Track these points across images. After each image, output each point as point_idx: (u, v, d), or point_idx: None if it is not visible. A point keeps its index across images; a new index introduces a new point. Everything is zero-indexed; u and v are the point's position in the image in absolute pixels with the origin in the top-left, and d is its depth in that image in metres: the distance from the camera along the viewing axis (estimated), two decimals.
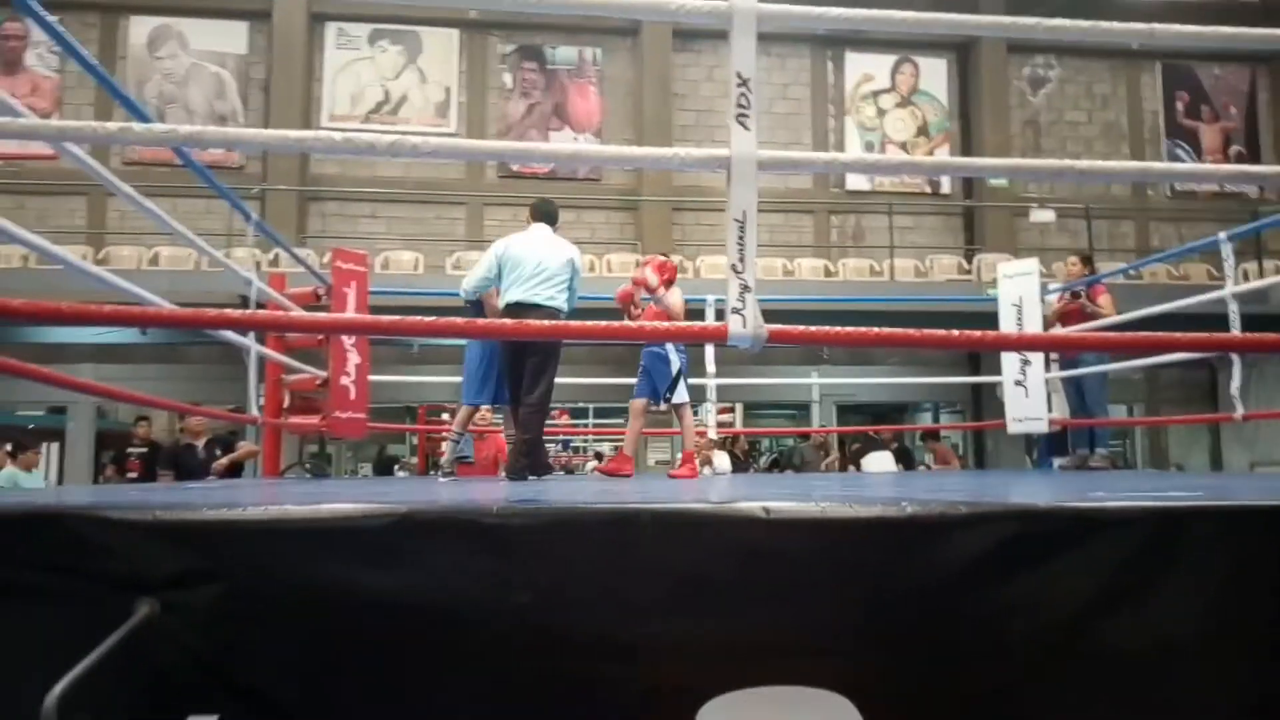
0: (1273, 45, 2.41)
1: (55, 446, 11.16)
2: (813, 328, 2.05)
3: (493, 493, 2.28)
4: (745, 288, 1.92)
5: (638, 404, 5.29)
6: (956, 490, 2.18)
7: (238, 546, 1.32)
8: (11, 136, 1.88)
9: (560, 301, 4.56)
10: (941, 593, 1.36)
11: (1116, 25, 2.14)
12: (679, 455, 8.78)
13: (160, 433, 12.89)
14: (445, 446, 5.25)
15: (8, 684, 1.27)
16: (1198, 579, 1.36)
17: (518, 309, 4.46)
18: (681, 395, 5.21)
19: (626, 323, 4.17)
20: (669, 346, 5.11)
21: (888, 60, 12.98)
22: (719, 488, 2.57)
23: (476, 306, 5.02)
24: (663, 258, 5.27)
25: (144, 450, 8.65)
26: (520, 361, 4.58)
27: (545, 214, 4.90)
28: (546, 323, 4.06)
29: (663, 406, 5.33)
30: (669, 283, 5.05)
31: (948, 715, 1.33)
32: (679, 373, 5.13)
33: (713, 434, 6.87)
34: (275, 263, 9.51)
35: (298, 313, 5.49)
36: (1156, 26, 2.13)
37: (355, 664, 1.32)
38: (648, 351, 5.24)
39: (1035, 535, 1.38)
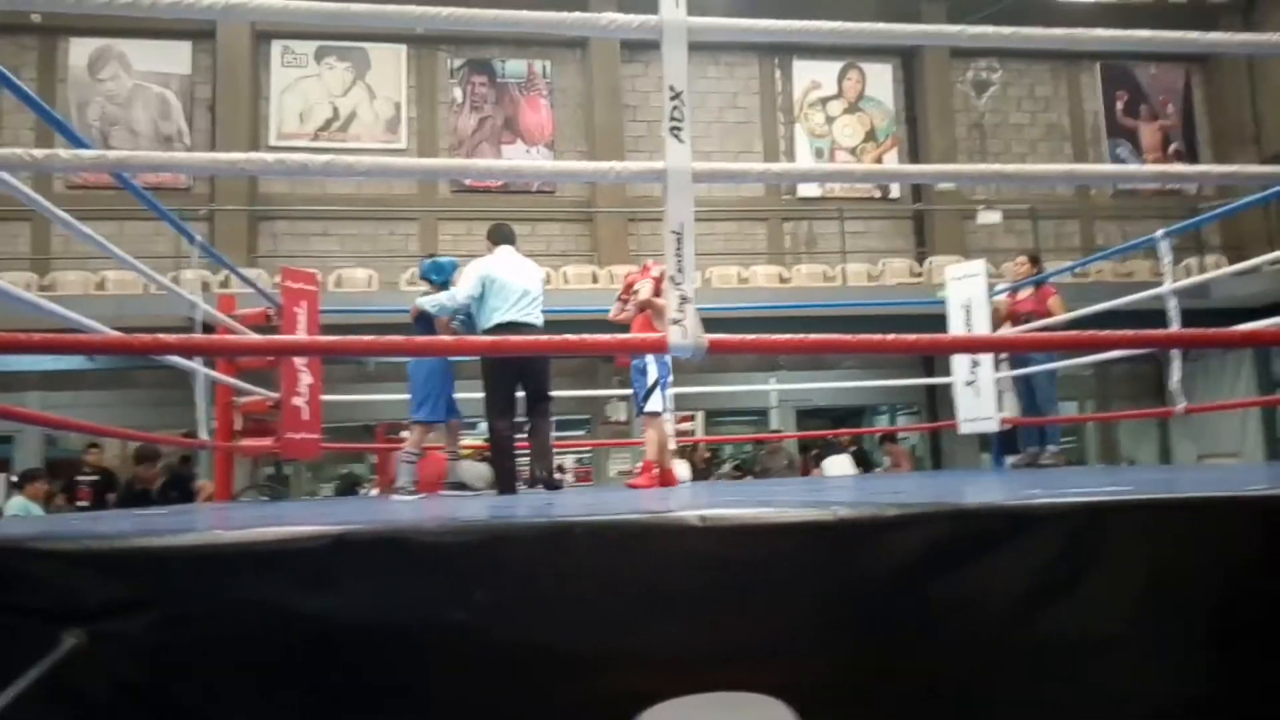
0: (1201, 49, 2.49)
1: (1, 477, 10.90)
2: (752, 336, 2.07)
3: (437, 511, 2.27)
4: (684, 298, 1.93)
5: (643, 420, 5.46)
6: (899, 492, 2.21)
7: (169, 574, 1.31)
8: None
9: (542, 320, 4.88)
10: (875, 593, 1.38)
11: (1056, 31, 2.18)
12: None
13: (112, 459, 12.66)
14: (401, 467, 5.21)
15: None
16: (1122, 571, 1.40)
17: (511, 329, 4.70)
18: (654, 405, 5.27)
19: (578, 336, 4.21)
20: (648, 357, 5.18)
21: (834, 67, 13.15)
22: (665, 498, 2.58)
23: (425, 324, 5.06)
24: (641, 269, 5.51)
25: (95, 478, 8.47)
26: (522, 379, 4.81)
27: (506, 237, 5.12)
28: (482, 339, 4.19)
29: (638, 417, 5.46)
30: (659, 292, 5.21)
31: (885, 712, 1.35)
32: (656, 382, 5.20)
33: (672, 444, 6.88)
34: (226, 284, 9.39)
35: (247, 335, 5.43)
36: (1095, 32, 2.19)
37: (292, 686, 1.31)
38: (631, 364, 5.39)
39: (966, 534, 1.41)
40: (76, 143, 3.53)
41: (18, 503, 7.83)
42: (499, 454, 4.91)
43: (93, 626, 1.26)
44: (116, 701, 1.26)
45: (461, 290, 4.88)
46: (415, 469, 5.26)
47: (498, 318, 4.75)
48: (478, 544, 1.33)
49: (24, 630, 1.23)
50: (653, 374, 5.20)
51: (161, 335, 1.79)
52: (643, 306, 5.28)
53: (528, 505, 2.44)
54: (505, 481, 4.84)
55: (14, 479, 8.15)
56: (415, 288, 8.65)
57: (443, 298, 5.01)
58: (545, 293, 5.13)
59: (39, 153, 1.82)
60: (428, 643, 1.33)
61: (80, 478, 8.29)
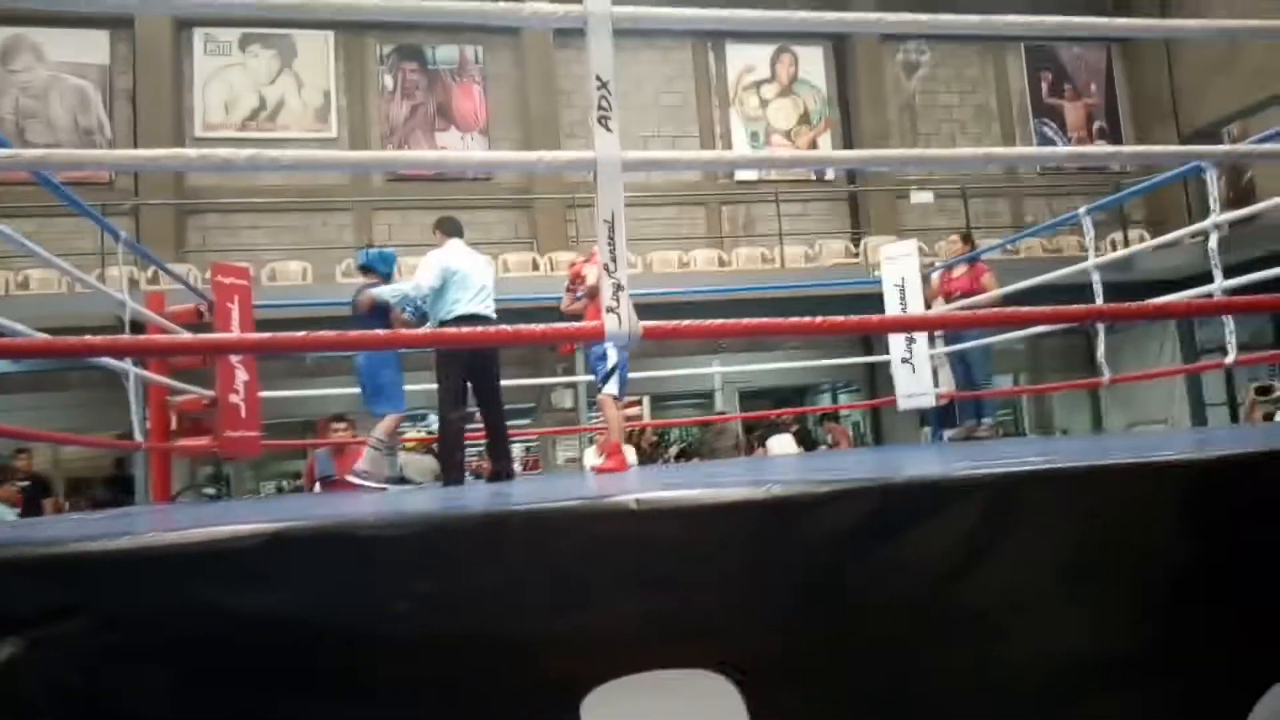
0: (1117, 33, 2.57)
1: None
2: (687, 322, 2.10)
3: (367, 506, 2.28)
4: (618, 286, 1.96)
5: (600, 400, 5.57)
6: (836, 469, 2.27)
7: (105, 577, 1.30)
8: None
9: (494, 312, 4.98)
10: (810, 567, 1.43)
11: (972, 18, 2.25)
12: (596, 449, 8.78)
13: (44, 463, 12.32)
14: (369, 455, 5.13)
15: None
16: (1038, 539, 1.47)
17: (473, 321, 4.75)
18: (610, 388, 5.33)
19: (517, 327, 4.26)
20: (608, 342, 5.21)
21: (767, 51, 13.25)
22: (604, 482, 2.61)
23: (380, 316, 5.01)
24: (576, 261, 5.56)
25: (26, 483, 8.26)
26: (473, 372, 4.83)
27: (457, 229, 5.15)
28: (425, 330, 4.22)
29: (599, 397, 5.52)
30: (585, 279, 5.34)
31: (823, 680, 1.40)
32: (614, 367, 5.26)
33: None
34: (155, 280, 9.18)
35: (180, 333, 5.33)
36: (1001, 18, 2.25)
37: (235, 686, 1.31)
38: (590, 350, 5.45)
39: (894, 507, 1.46)
40: None
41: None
42: (448, 445, 4.90)
43: (31, 633, 1.24)
44: (55, 707, 1.25)
45: (425, 280, 4.85)
46: (383, 460, 5.21)
47: (459, 309, 4.77)
48: (418, 535, 1.34)
49: None
50: (612, 358, 5.26)
51: (91, 338, 1.76)
52: (593, 294, 5.32)
53: (470, 495, 2.46)
54: (453, 472, 4.84)
55: None
56: (351, 279, 8.55)
57: (405, 288, 5.01)
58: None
59: None
60: (370, 635, 1.34)
61: (12, 482, 8.06)
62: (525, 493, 2.22)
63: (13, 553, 1.30)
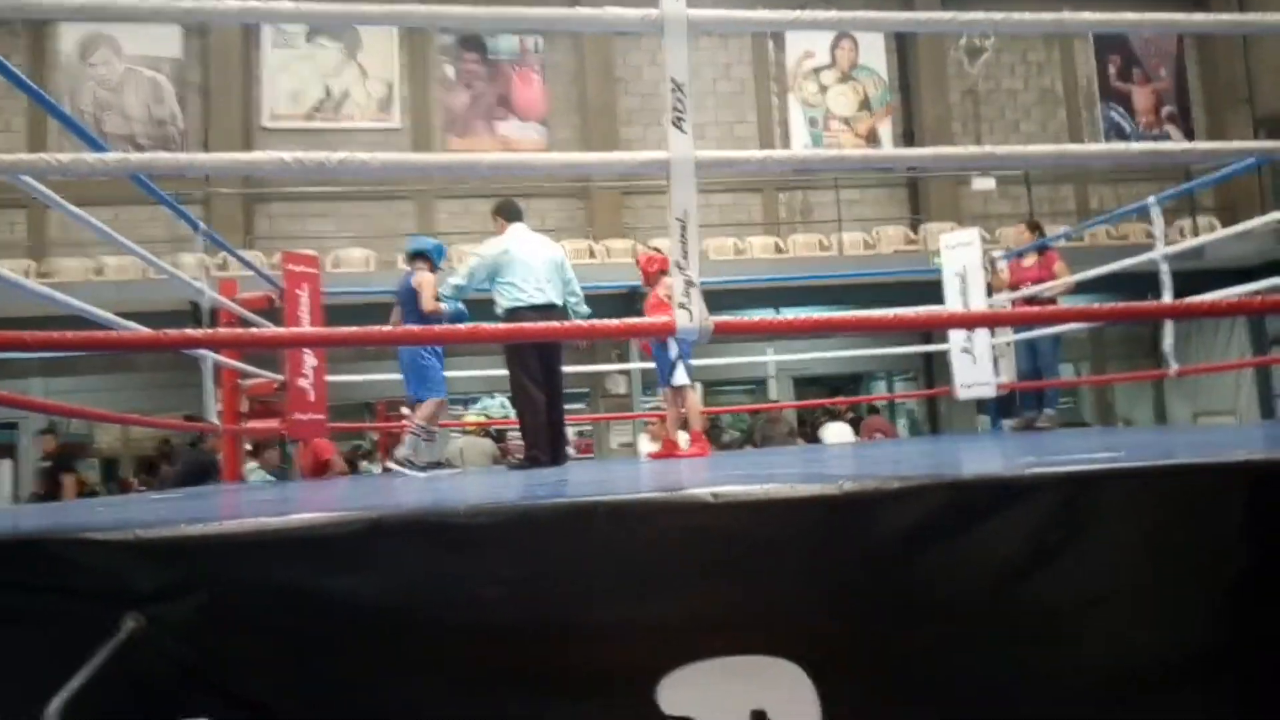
0: (1191, 29, 2.54)
1: (7, 464, 11.01)
2: (756, 318, 2.14)
3: (457, 493, 2.36)
4: (690, 283, 2.01)
5: (665, 392, 5.63)
6: (900, 462, 2.30)
7: (216, 559, 1.39)
8: None
9: (561, 300, 4.84)
10: (880, 561, 1.47)
11: (1045, 16, 2.24)
12: (648, 436, 8.88)
13: (114, 442, 12.76)
14: (409, 441, 5.14)
15: (2, 705, 1.33)
16: (1110, 537, 1.49)
17: (541, 310, 4.62)
18: (681, 378, 5.38)
19: (588, 322, 4.30)
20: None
21: (827, 37, 13.12)
22: (683, 473, 2.67)
23: (417, 311, 5.00)
24: (652, 251, 5.58)
25: (48, 465, 8.60)
26: (548, 358, 4.74)
27: (517, 213, 5.02)
28: (501, 326, 4.14)
29: (665, 391, 5.58)
30: (661, 273, 5.25)
31: (888, 670, 1.44)
32: (679, 357, 5.30)
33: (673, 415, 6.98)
34: (224, 266, 9.43)
35: (254, 321, 5.50)
36: (1074, 16, 2.25)
37: (332, 664, 1.40)
38: (652, 341, 5.47)
39: (963, 504, 1.49)
40: (83, 136, 3.57)
41: (253, 467, 7.98)
42: (535, 424, 4.72)
43: (148, 609, 1.34)
44: (171, 678, 1.35)
45: (478, 271, 4.79)
46: (423, 446, 5.28)
47: (526, 298, 4.66)
48: (506, 525, 1.41)
49: (88, 615, 1.32)
50: (674, 349, 5.29)
51: (188, 331, 1.86)
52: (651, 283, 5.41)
53: (550, 484, 2.53)
54: (543, 449, 4.70)
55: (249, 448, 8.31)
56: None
57: (459, 280, 4.91)
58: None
59: (64, 157, 1.88)
60: (459, 619, 1.41)
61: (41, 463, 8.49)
62: (604, 483, 2.28)
63: (132, 535, 1.40)
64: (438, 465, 5.39)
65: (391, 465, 5.13)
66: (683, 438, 5.74)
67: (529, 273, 4.71)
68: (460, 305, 5.06)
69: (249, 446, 7.89)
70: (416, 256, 5.32)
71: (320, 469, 6.86)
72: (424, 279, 5.11)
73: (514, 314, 4.69)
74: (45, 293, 3.32)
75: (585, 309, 5.09)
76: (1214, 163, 6.14)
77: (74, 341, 1.94)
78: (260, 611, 1.40)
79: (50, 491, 8.38)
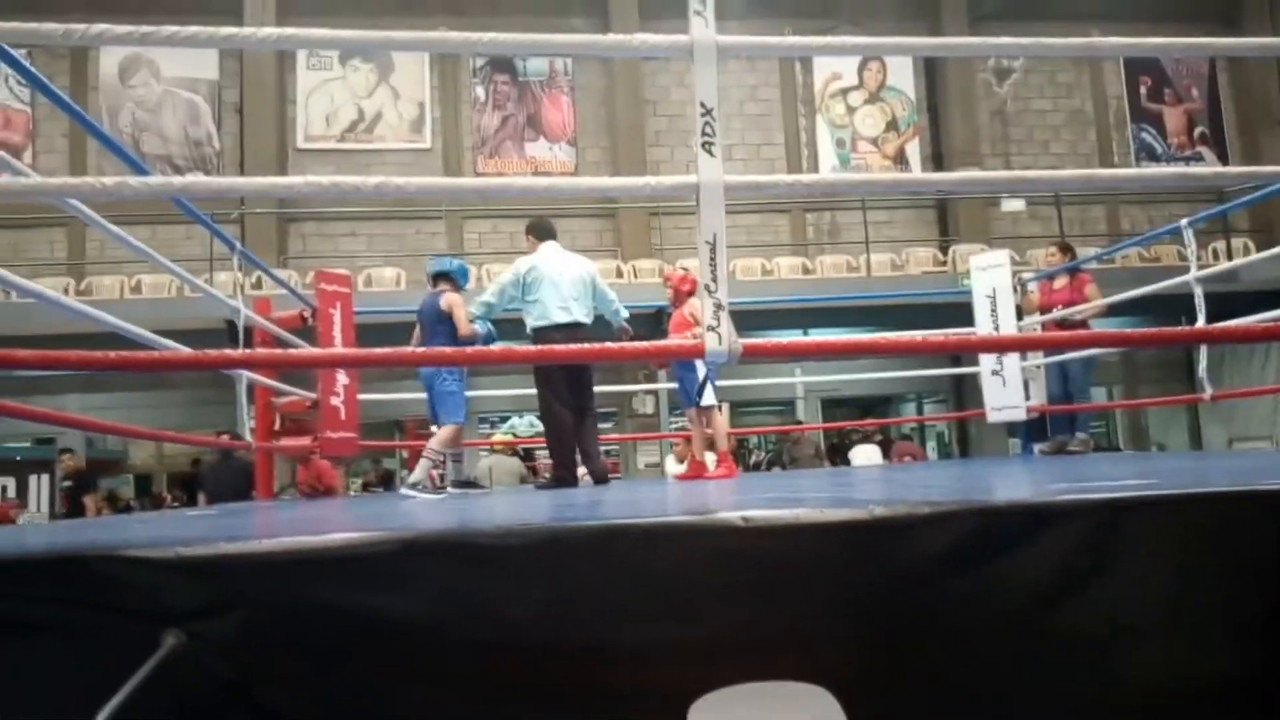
0: (1221, 53, 2.54)
1: (45, 478, 11.18)
2: (785, 340, 2.15)
3: (487, 513, 2.38)
4: (719, 306, 2.02)
5: (690, 413, 5.62)
6: (930, 486, 2.29)
7: (255, 577, 1.42)
8: (13, 199, 1.96)
9: (591, 318, 4.87)
10: (910, 586, 1.47)
11: (1075, 41, 2.25)
12: (674, 457, 8.86)
13: (148, 459, 12.94)
14: (422, 465, 5.01)
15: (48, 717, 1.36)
16: (1141, 565, 1.48)
17: (562, 329, 4.64)
18: (709, 398, 5.37)
19: (618, 345, 4.32)
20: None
21: (855, 58, 13.14)
22: (711, 496, 2.67)
23: (450, 327, 4.96)
24: (682, 271, 5.59)
25: (69, 485, 8.72)
26: (575, 378, 4.76)
27: (549, 232, 5.06)
28: (533, 348, 4.17)
29: (692, 411, 5.57)
30: (690, 294, 5.31)
31: (918, 696, 1.44)
32: (706, 378, 5.30)
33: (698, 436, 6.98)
34: (258, 285, 9.58)
35: (288, 339, 5.57)
36: (1104, 41, 2.26)
37: (366, 683, 1.42)
38: (675, 362, 5.46)
39: (994, 530, 1.49)
40: (124, 157, 3.66)
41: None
42: (562, 443, 4.78)
43: (188, 626, 1.37)
44: (210, 694, 1.37)
45: (506, 290, 4.82)
46: (433, 470, 5.17)
47: (552, 316, 4.69)
48: (536, 546, 1.43)
49: (129, 631, 1.34)
50: (702, 370, 5.29)
51: (229, 351, 1.90)
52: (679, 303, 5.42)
53: (579, 505, 2.55)
54: (570, 469, 4.75)
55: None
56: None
57: (490, 298, 4.92)
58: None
59: (109, 181, 1.93)
60: (489, 639, 1.43)
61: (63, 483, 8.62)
62: (633, 505, 2.29)
63: (172, 553, 1.43)
64: (469, 484, 5.35)
65: (405, 490, 5.06)
66: (709, 459, 5.74)
67: (556, 292, 4.72)
68: (490, 326, 5.06)
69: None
70: (440, 278, 5.28)
71: (321, 493, 6.87)
72: (454, 300, 5.07)
73: (540, 333, 4.70)
74: (85, 310, 3.40)
75: (624, 313, 5.14)
76: (1248, 184, 6.09)
77: (116, 362, 1.98)
78: (297, 629, 1.42)
79: (72, 511, 8.51)
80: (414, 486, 4.86)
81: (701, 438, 5.65)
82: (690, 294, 5.38)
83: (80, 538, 1.94)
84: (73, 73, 11.78)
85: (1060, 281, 6.62)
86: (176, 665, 1.33)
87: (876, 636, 1.46)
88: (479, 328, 4.96)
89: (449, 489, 5.03)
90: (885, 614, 1.46)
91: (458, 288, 5.24)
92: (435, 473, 5.17)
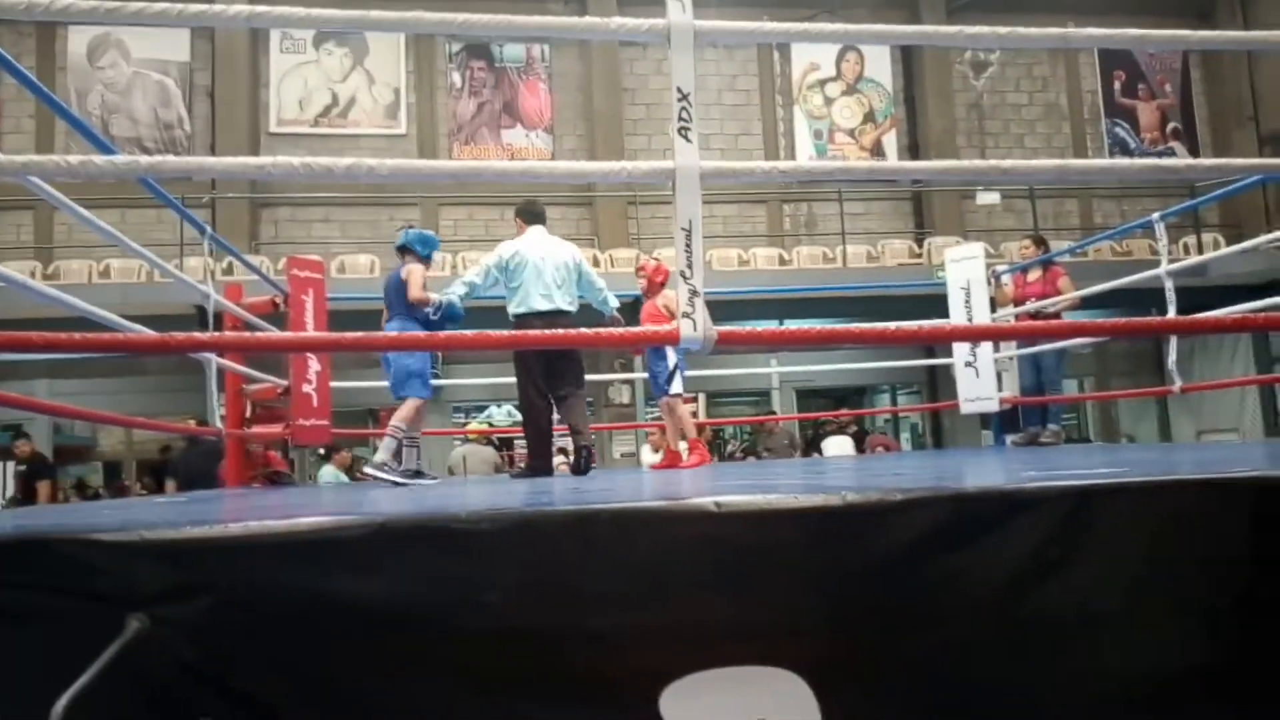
0: (1194, 46, 2.56)
1: (11, 465, 11.03)
2: (760, 328, 2.15)
3: (461, 499, 2.37)
4: (694, 293, 2.02)
5: (663, 403, 5.64)
6: (903, 474, 2.30)
7: (221, 561, 1.40)
8: None
9: (575, 305, 4.77)
10: (882, 572, 1.47)
11: (1051, 31, 2.26)
12: (650, 446, 8.88)
13: (117, 445, 12.78)
14: (386, 444, 4.78)
15: (7, 704, 1.33)
16: (1112, 551, 1.49)
17: (542, 316, 4.53)
18: (676, 387, 5.41)
19: (594, 330, 4.25)
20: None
21: (832, 49, 13.16)
22: (685, 482, 2.67)
23: (417, 315, 4.76)
24: (656, 262, 5.65)
25: (24, 469, 8.62)
26: (556, 367, 4.66)
27: (537, 216, 4.98)
28: (506, 334, 4.05)
29: (664, 402, 5.60)
30: (663, 284, 5.42)
31: (890, 682, 1.45)
32: (675, 368, 5.33)
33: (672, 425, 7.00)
34: (229, 270, 9.46)
35: (257, 323, 5.51)
36: (1079, 31, 2.27)
37: (338, 667, 1.40)
38: (648, 351, 5.49)
39: (965, 516, 1.49)
40: (91, 139, 3.59)
41: (328, 471, 8.36)
42: (539, 433, 4.71)
43: (153, 610, 1.35)
44: (180, 681, 1.35)
45: (488, 272, 4.70)
46: (400, 451, 4.95)
47: (533, 304, 4.61)
48: (509, 530, 1.42)
49: (92, 615, 1.32)
50: (673, 358, 5.32)
51: (196, 334, 1.87)
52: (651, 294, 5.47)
53: (556, 491, 2.54)
54: (545, 459, 4.68)
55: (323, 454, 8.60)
56: None
57: (473, 278, 4.75)
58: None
59: (74, 159, 1.90)
60: (463, 624, 1.42)
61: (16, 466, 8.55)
62: (607, 491, 2.29)
63: (137, 536, 1.41)
64: (418, 474, 4.91)
65: (369, 470, 4.87)
66: (683, 447, 5.76)
67: (537, 278, 4.64)
68: (456, 302, 4.74)
69: (321, 451, 7.93)
70: (402, 251, 5.03)
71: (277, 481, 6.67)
72: (413, 268, 4.82)
73: (521, 320, 4.64)
74: (51, 294, 3.34)
75: (614, 301, 5.05)
76: (1219, 179, 6.16)
77: (80, 343, 1.95)
78: (267, 614, 1.41)
79: (25, 497, 8.41)
80: (379, 467, 4.69)
81: (674, 426, 5.67)
82: (663, 285, 5.40)
83: (42, 521, 1.91)
84: (39, 53, 11.56)
85: (1034, 274, 6.67)
86: (142, 650, 1.31)
87: (848, 622, 1.46)
88: (434, 296, 4.67)
89: (395, 477, 4.66)
90: (857, 600, 1.46)
91: (419, 258, 4.97)
92: (381, 458, 4.85)
